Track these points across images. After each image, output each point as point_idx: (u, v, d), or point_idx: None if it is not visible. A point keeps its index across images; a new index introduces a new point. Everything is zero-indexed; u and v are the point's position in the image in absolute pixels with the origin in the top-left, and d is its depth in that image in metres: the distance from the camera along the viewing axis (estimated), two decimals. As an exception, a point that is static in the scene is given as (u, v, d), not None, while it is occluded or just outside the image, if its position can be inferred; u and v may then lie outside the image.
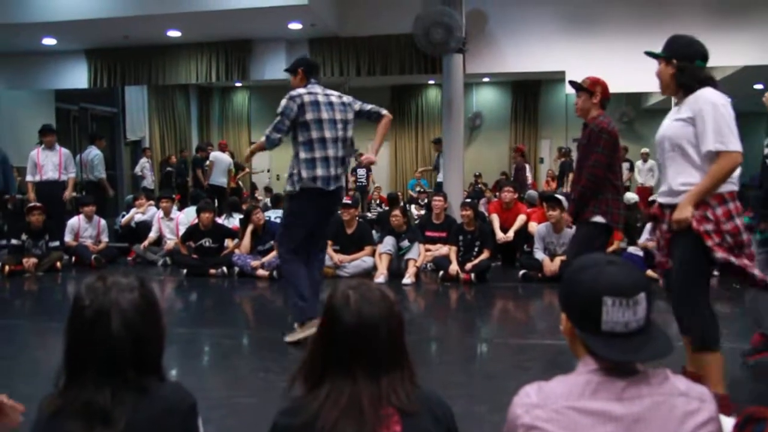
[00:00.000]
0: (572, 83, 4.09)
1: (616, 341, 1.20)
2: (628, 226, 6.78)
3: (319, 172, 4.05)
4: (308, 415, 1.23)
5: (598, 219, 3.88)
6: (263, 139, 4.16)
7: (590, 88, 3.94)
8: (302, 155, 4.06)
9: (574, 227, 6.34)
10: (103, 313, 1.26)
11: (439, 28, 7.32)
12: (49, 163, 7.83)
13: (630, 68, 7.57)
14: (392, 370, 1.28)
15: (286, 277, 4.34)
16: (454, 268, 6.33)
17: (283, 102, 4.08)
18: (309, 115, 4.05)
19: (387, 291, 1.35)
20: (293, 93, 4.11)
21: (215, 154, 10.68)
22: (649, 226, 6.53)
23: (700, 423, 1.18)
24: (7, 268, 6.88)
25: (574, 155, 10.09)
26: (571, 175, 9.81)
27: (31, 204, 7.44)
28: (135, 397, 1.25)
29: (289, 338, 4.14)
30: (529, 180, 10.75)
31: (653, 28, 7.77)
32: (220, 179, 10.56)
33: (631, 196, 8.13)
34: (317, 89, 4.19)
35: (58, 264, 7.27)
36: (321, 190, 4.08)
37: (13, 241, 7.19)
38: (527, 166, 10.85)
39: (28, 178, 7.88)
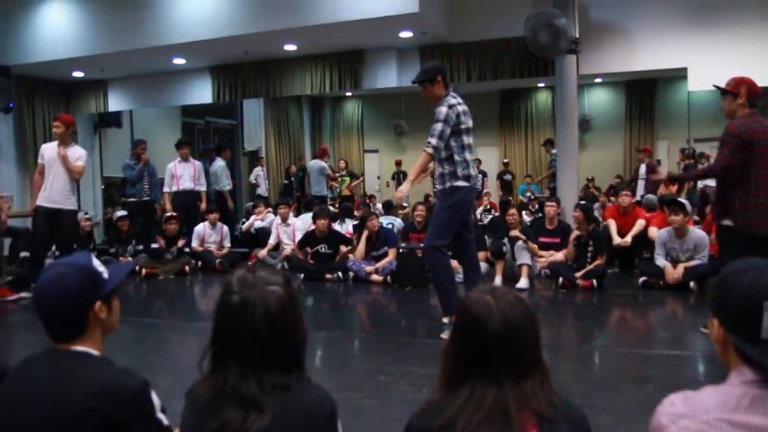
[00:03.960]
0: (717, 87, 4.14)
1: None
2: None
3: (472, 171, 4.44)
4: (446, 418, 1.23)
5: (726, 222, 3.98)
6: (428, 150, 4.32)
7: (734, 90, 3.97)
8: (457, 157, 4.38)
9: (699, 232, 6.08)
10: (249, 301, 1.33)
11: (546, 30, 7.16)
12: (186, 175, 8.49)
13: (758, 61, 7.08)
14: (533, 374, 1.28)
15: (438, 270, 4.47)
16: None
17: (444, 110, 4.33)
18: (464, 124, 4.40)
19: (519, 294, 1.36)
20: (451, 102, 4.37)
21: (309, 164, 10.99)
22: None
23: None
24: (144, 270, 7.48)
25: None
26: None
27: (169, 214, 8.05)
28: (280, 393, 1.30)
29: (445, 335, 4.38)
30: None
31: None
32: (315, 188, 10.90)
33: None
34: (458, 98, 4.47)
35: (187, 268, 7.81)
36: (471, 188, 4.47)
37: (153, 246, 7.83)
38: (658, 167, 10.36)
39: (165, 189, 8.55)
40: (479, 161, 12.88)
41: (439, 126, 4.30)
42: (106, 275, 1.59)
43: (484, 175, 12.85)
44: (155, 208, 8.80)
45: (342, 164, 12.76)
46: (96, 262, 1.59)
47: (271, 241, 8.13)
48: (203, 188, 8.67)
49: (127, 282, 6.94)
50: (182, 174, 8.49)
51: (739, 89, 3.95)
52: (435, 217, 4.53)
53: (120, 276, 1.65)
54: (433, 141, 4.30)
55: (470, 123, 4.52)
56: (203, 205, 8.55)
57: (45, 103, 10.00)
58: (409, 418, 1.33)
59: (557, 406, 1.26)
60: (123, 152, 9.90)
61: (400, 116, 14.01)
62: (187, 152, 8.59)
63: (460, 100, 4.47)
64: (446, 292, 4.44)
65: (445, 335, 4.37)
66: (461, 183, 4.39)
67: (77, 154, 6.26)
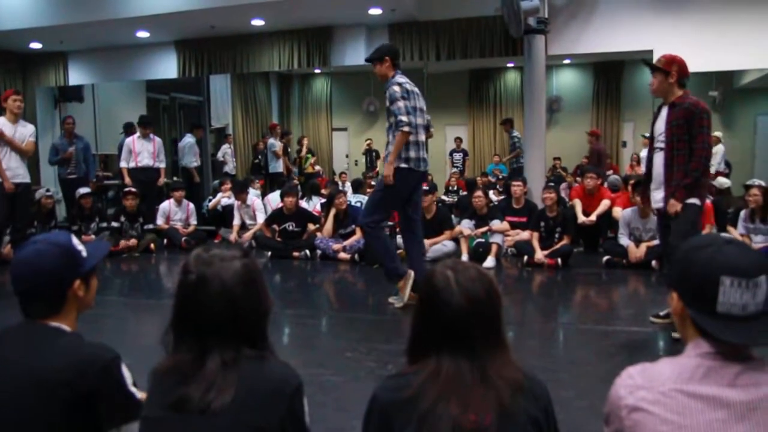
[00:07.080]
0: (646, 63, 4.04)
1: (731, 324, 1.15)
2: (718, 211, 6.49)
3: (412, 154, 4.46)
4: (411, 391, 1.23)
5: (694, 201, 3.82)
6: (405, 129, 4.34)
7: (665, 67, 3.81)
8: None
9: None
10: (205, 277, 1.32)
11: (504, 9, 7.13)
12: (145, 151, 8.36)
13: (723, 45, 7.20)
14: (495, 348, 1.29)
15: (372, 244, 4.79)
16: (539, 255, 6.26)
17: (396, 88, 4.40)
18: (410, 102, 4.42)
19: (481, 269, 1.36)
20: (399, 80, 4.45)
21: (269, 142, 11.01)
22: (743, 213, 6.23)
23: None
24: (106, 248, 7.35)
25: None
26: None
27: (126, 189, 7.89)
28: (243, 369, 1.29)
29: (398, 304, 4.65)
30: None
31: (748, 2, 7.32)
32: (271, 165, 10.94)
33: (723, 181, 7.77)
34: (406, 78, 4.53)
35: (152, 245, 7.69)
36: (410, 170, 4.48)
37: (113, 224, 7.68)
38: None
39: (122, 164, 8.39)
40: (460, 140, 13.02)
41: (400, 104, 4.36)
42: (84, 254, 1.59)
43: (465, 154, 12.97)
44: (90, 185, 8.65)
45: (304, 142, 12.67)
46: (75, 241, 1.58)
47: (235, 222, 8.02)
48: (162, 165, 8.56)
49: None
50: (141, 150, 8.35)
51: (670, 67, 3.79)
52: (370, 195, 4.68)
53: (99, 255, 1.66)
54: (404, 118, 4.33)
55: (420, 103, 4.57)
56: (161, 180, 8.50)
57: (0, 76, 9.65)
58: (374, 390, 1.33)
59: (520, 381, 1.27)
60: (86, 128, 9.66)
61: (369, 94, 13.90)
62: (148, 132, 8.43)
63: (407, 79, 4.55)
64: (384, 262, 4.66)
65: (393, 299, 4.72)
66: (401, 164, 4.45)
67: (30, 130, 6.27)
